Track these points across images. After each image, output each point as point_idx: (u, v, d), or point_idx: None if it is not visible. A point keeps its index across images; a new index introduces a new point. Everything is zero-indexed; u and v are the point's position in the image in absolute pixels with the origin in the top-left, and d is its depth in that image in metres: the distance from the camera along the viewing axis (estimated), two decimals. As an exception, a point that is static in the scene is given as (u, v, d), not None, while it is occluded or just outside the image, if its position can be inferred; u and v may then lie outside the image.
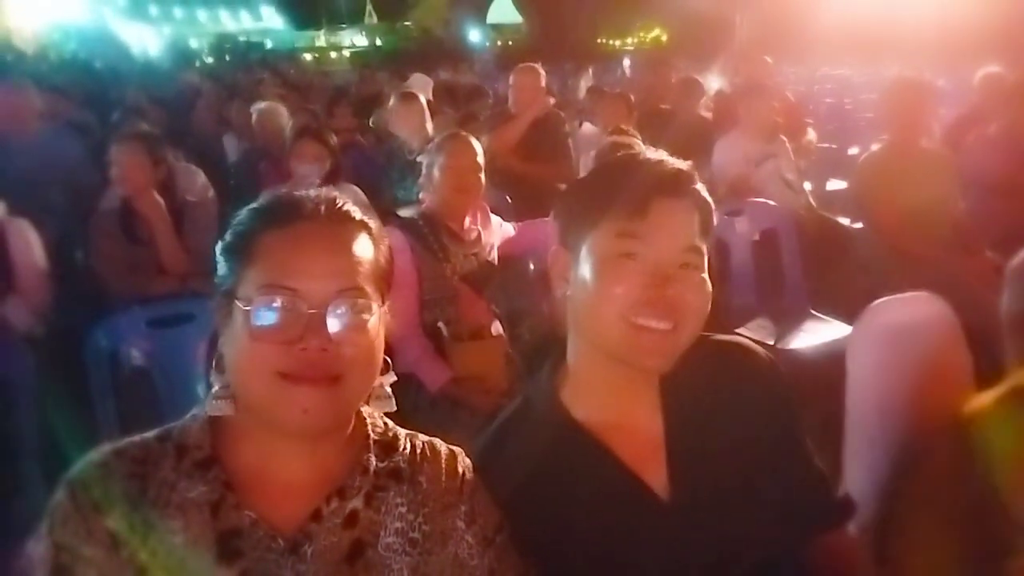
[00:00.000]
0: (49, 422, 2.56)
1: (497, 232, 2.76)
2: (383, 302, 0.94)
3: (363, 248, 0.93)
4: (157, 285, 3.02)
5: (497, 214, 2.86)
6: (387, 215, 2.95)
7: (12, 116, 4.10)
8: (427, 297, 2.49)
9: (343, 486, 0.94)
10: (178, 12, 26.32)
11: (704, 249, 1.05)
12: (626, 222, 1.02)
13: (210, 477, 0.91)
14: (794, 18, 11.61)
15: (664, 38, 18.27)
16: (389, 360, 0.97)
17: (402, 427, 1.05)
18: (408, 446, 1.01)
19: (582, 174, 2.76)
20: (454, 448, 1.04)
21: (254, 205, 0.95)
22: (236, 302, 0.89)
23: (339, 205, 0.94)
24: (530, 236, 2.89)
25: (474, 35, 19.90)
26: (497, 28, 22.10)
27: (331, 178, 3.39)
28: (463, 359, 2.45)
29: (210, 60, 16.84)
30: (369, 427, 1.00)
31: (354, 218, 0.95)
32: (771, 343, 3.05)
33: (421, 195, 2.64)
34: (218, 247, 0.94)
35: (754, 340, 1.22)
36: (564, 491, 1.06)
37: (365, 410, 1.00)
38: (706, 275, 1.04)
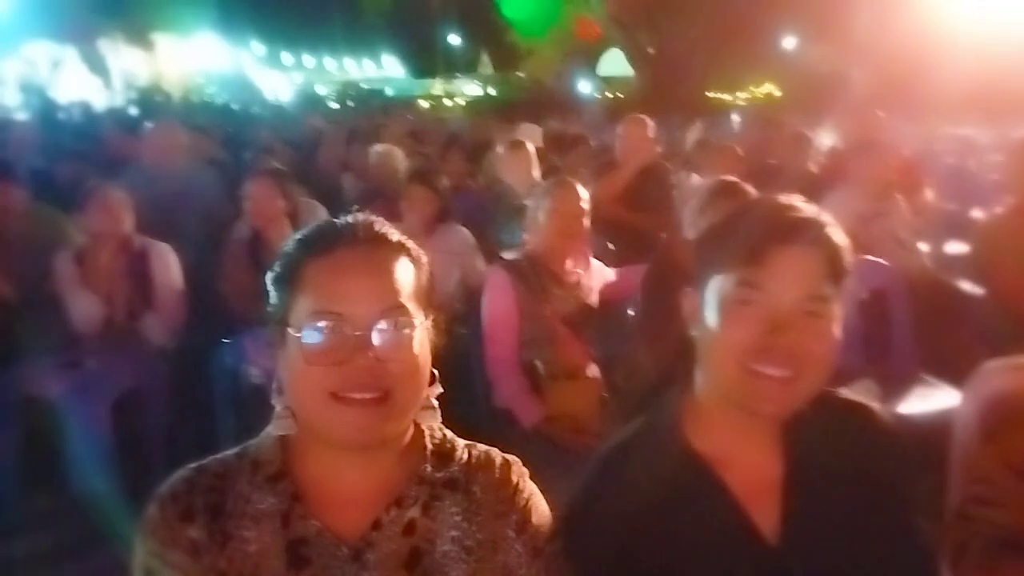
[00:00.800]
0: (175, 429, 2.79)
1: (598, 276, 2.82)
2: (426, 317, 0.98)
3: (403, 268, 0.97)
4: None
5: (599, 260, 2.92)
6: (492, 256, 3.07)
7: (162, 152, 4.54)
8: (526, 336, 2.57)
9: (401, 496, 0.99)
10: (308, 61, 28.15)
11: (833, 295, 1.03)
12: (745, 270, 1.02)
13: (279, 489, 0.97)
14: (915, 74, 11.23)
15: (776, 93, 18.00)
16: (436, 372, 1.01)
17: None
18: (465, 456, 1.05)
19: (686, 223, 2.80)
20: (509, 457, 1.07)
21: (298, 236, 1.00)
22: (288, 329, 0.95)
23: (376, 229, 0.98)
24: (630, 283, 2.93)
25: (584, 86, 20.26)
26: (607, 80, 22.40)
27: (440, 219, 3.56)
28: (558, 398, 2.51)
29: (335, 105, 17.88)
30: (427, 438, 1.04)
31: (391, 240, 0.98)
32: (876, 406, 2.94)
33: (526, 237, 2.74)
34: (268, 277, 0.99)
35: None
36: (674, 517, 1.06)
37: (425, 421, 1.04)
38: (833, 323, 1.03)
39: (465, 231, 3.62)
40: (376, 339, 0.92)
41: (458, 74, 27.18)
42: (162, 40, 22.61)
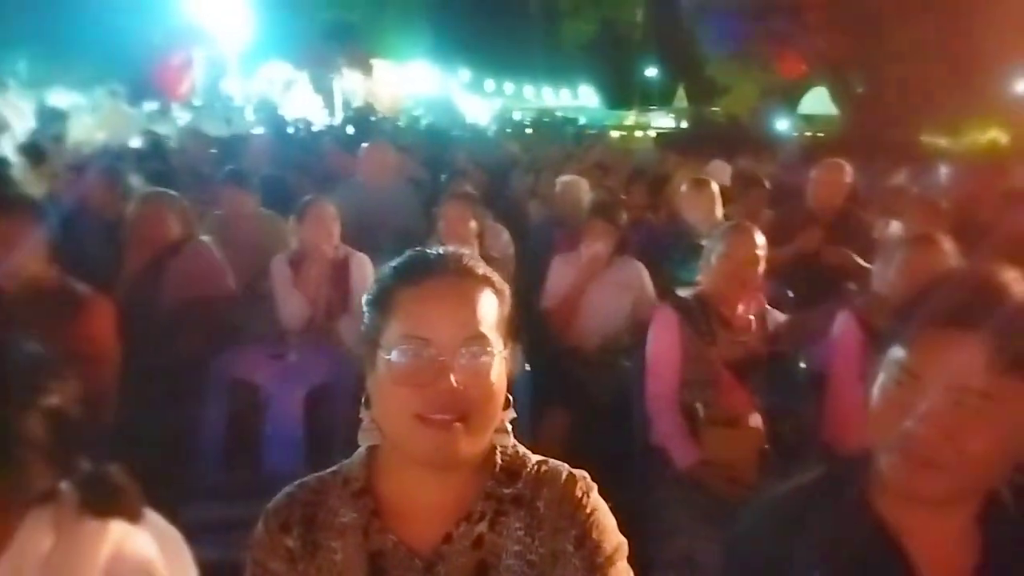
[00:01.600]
0: (357, 423, 3.05)
1: (770, 325, 2.76)
2: (505, 347, 1.04)
3: (486, 300, 1.03)
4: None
5: (776, 308, 2.86)
6: (665, 292, 3.09)
7: (374, 170, 4.97)
8: (688, 377, 2.58)
9: (470, 511, 1.05)
10: (508, 88, 29.37)
11: (1007, 391, 0.93)
12: (904, 352, 0.99)
13: (360, 505, 1.06)
14: None
15: (1002, 140, 16.23)
16: (511, 397, 1.07)
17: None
18: (534, 471, 1.09)
19: (875, 278, 2.66)
20: (576, 472, 1.10)
21: (393, 264, 1.07)
22: (379, 350, 1.02)
23: (464, 262, 1.05)
24: (804, 334, 2.84)
25: (782, 124, 19.45)
26: (808, 119, 21.37)
27: (617, 252, 3.64)
28: (715, 444, 2.47)
29: (529, 132, 18.50)
30: (498, 455, 1.09)
31: (478, 273, 1.05)
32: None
33: (699, 277, 2.75)
34: (364, 300, 1.07)
35: None
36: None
37: (499, 442, 1.09)
38: (1002, 421, 0.94)
39: (640, 265, 3.67)
40: (458, 367, 0.99)
41: (653, 106, 27.12)
42: (380, 65, 24.63)
